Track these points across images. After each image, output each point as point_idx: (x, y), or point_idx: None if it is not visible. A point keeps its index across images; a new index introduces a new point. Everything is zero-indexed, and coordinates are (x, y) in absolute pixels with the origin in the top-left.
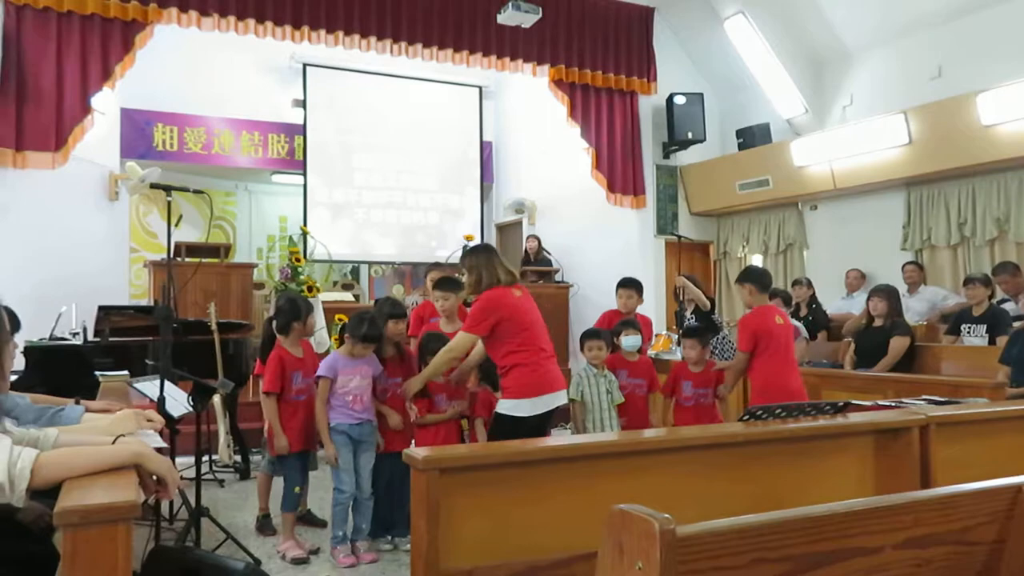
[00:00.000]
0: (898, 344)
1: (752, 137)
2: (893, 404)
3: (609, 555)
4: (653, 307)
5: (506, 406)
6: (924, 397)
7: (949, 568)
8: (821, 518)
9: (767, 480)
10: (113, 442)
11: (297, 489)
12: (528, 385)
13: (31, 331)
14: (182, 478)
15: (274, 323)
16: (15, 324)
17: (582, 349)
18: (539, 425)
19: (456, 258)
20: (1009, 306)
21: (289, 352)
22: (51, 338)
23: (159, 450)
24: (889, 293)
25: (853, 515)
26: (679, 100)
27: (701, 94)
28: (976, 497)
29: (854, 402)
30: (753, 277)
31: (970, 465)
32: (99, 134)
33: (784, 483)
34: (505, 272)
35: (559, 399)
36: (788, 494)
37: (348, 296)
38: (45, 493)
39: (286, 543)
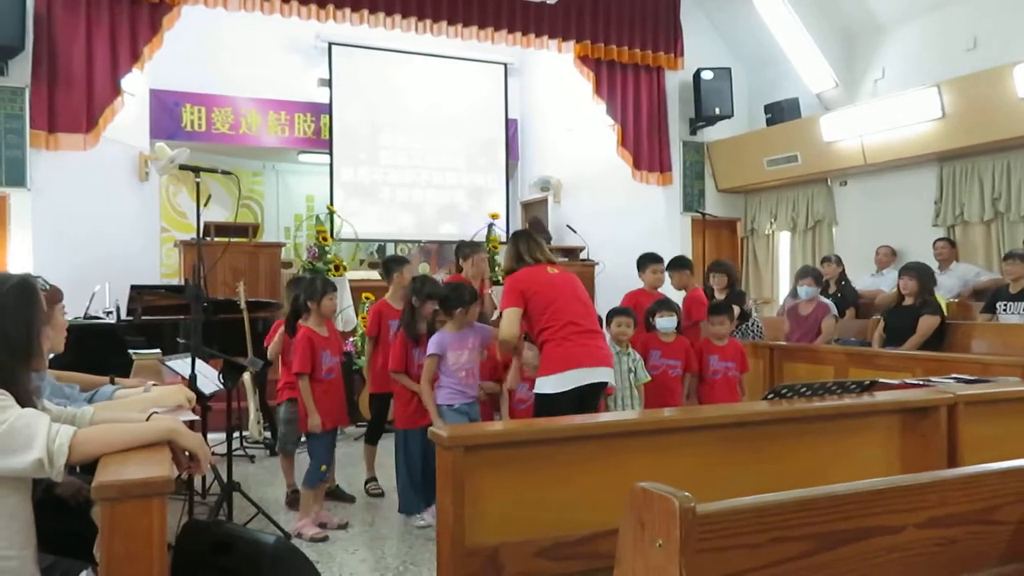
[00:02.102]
0: (927, 323)
1: (781, 112)
2: (921, 383)
3: (631, 532)
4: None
5: (539, 384)
6: (953, 376)
7: (973, 547)
8: (843, 497)
9: (792, 459)
10: (147, 419)
11: (324, 468)
12: (555, 360)
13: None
14: (213, 454)
15: (297, 300)
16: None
17: (608, 325)
18: (577, 402)
19: (482, 236)
20: None
21: (315, 331)
22: (85, 317)
23: (190, 423)
24: (920, 271)
25: (875, 494)
26: (706, 75)
27: (729, 69)
28: (1001, 477)
29: (881, 380)
30: (689, 264)
31: (999, 445)
32: (129, 115)
33: (809, 462)
34: (532, 254)
35: (593, 375)
36: (813, 473)
37: (374, 275)
38: (85, 468)
39: (302, 521)
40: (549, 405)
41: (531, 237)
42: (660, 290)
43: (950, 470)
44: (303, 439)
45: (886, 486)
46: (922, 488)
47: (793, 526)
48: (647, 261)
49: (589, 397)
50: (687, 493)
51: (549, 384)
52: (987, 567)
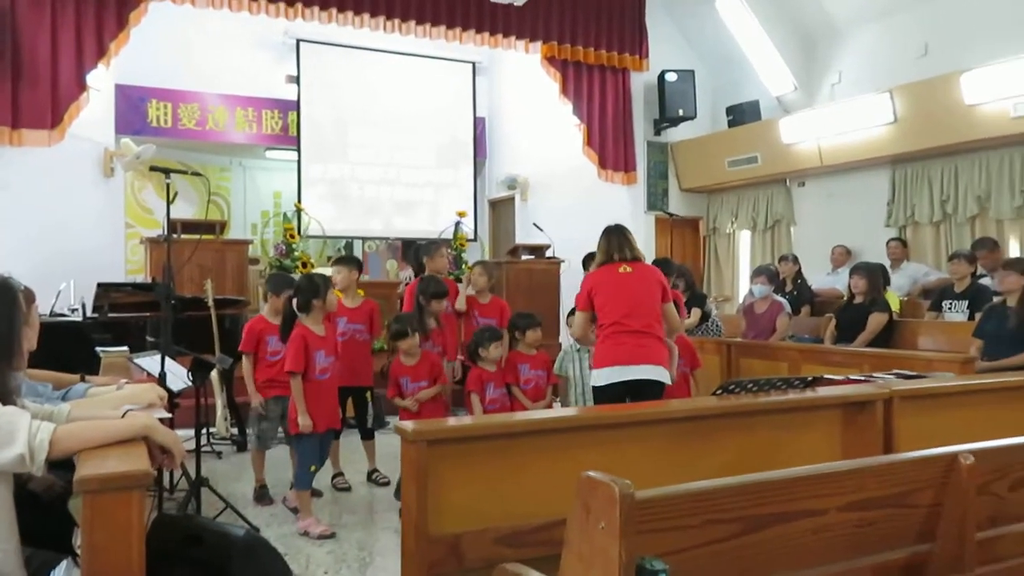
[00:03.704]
0: (876, 320)
1: (742, 114)
2: (864, 378)
3: (578, 517)
4: None
5: (591, 377)
6: (895, 371)
7: (890, 528)
8: (769, 483)
9: (738, 451)
10: (122, 416)
11: (313, 468)
12: (599, 356)
13: None
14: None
15: (294, 302)
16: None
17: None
18: (621, 396)
19: (449, 233)
20: (987, 281)
21: (311, 330)
22: (51, 314)
23: (162, 420)
24: (870, 270)
25: (799, 480)
26: (670, 77)
27: (692, 71)
28: (915, 464)
29: (827, 376)
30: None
31: (932, 435)
32: (94, 111)
33: (755, 454)
34: (610, 252)
35: (629, 372)
36: (758, 464)
37: None
38: (56, 465)
39: (306, 521)
40: (598, 396)
41: (620, 234)
42: None
43: (868, 459)
44: (280, 435)
45: (809, 473)
46: (843, 475)
47: (724, 510)
48: (592, 259)
49: (640, 394)
50: (627, 481)
51: (593, 378)
52: (903, 546)
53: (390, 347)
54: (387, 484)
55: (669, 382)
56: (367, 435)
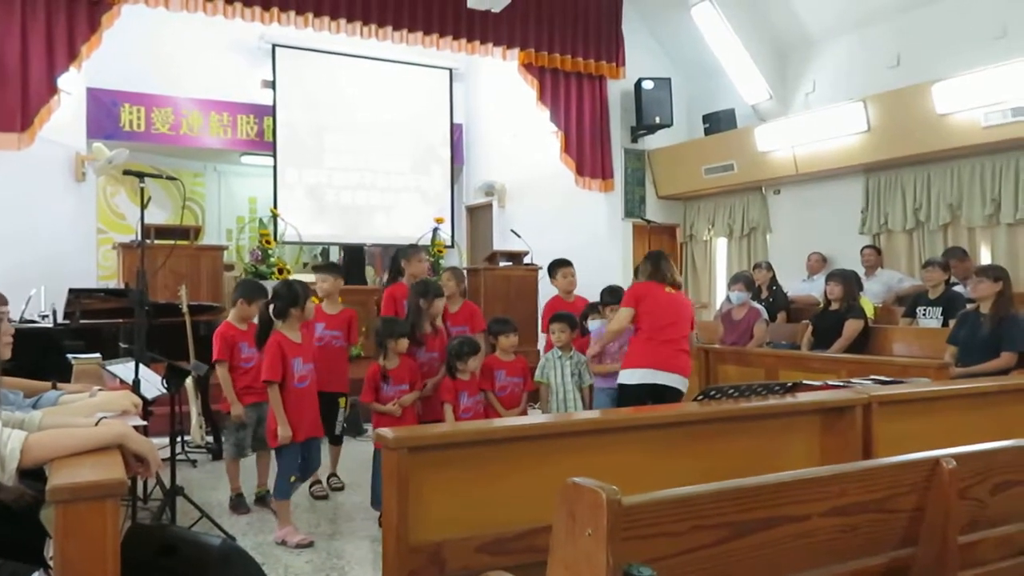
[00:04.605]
0: (851, 327)
1: (718, 122)
2: (841, 384)
3: (563, 524)
4: None
5: (620, 375)
6: (872, 377)
7: (872, 533)
8: (754, 489)
9: (720, 456)
10: (96, 424)
11: (293, 479)
12: (632, 356)
13: None
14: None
15: (271, 308)
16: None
17: (548, 332)
18: (644, 397)
19: (427, 239)
20: (960, 289)
21: (288, 338)
22: (21, 320)
23: (137, 427)
24: (845, 277)
25: (782, 486)
26: (647, 85)
27: (669, 79)
28: (896, 469)
29: (805, 382)
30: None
31: (910, 441)
32: (65, 114)
33: (736, 459)
34: (648, 274)
35: (661, 378)
36: (740, 470)
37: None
38: (27, 473)
39: (284, 530)
40: (622, 393)
41: (667, 260)
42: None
43: (850, 464)
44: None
45: (792, 479)
46: (825, 480)
47: (709, 515)
48: (558, 266)
49: (662, 398)
50: (614, 487)
51: (621, 376)
52: (885, 551)
53: (385, 346)
54: (340, 489)
55: (685, 391)
56: (335, 440)
